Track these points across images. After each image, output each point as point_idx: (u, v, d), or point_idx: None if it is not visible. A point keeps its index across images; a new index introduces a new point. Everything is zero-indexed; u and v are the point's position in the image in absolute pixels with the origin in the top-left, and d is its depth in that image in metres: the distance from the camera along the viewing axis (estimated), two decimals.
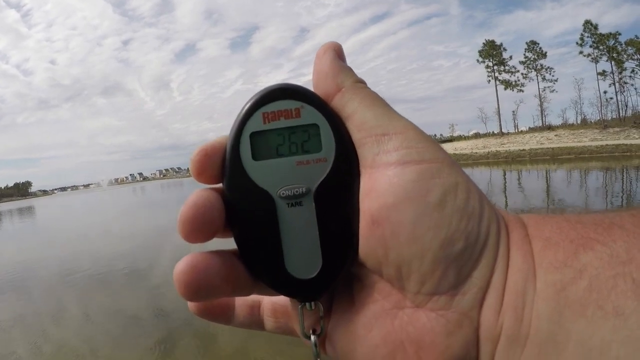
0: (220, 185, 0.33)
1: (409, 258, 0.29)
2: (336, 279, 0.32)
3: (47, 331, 8.43)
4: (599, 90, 51.42)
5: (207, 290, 0.30)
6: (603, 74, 50.42)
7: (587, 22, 48.82)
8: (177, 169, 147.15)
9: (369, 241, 0.30)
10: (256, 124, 0.32)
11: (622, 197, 18.30)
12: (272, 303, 0.38)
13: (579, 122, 56.58)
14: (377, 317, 0.31)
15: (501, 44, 56.25)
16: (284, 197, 0.31)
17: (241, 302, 0.38)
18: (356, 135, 0.32)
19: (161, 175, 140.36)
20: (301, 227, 0.32)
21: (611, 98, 51.39)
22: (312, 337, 0.34)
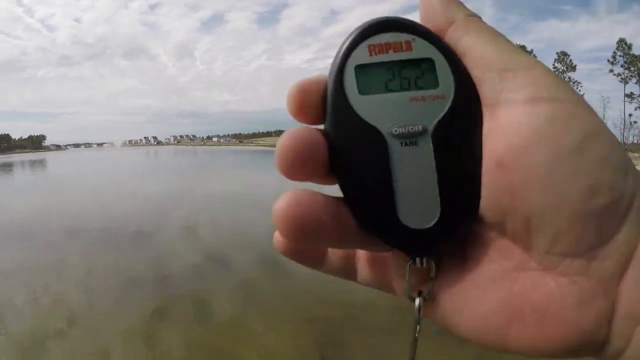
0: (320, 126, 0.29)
1: (542, 209, 0.24)
2: (456, 231, 0.28)
3: (48, 282, 8.45)
4: (624, 112, 50.35)
5: (314, 229, 0.26)
6: (631, 96, 49.07)
7: (621, 41, 47.58)
8: (191, 137, 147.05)
9: (492, 188, 0.26)
10: (362, 56, 0.28)
11: None
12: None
13: None
14: (494, 280, 0.27)
15: (532, 50, 55.42)
16: (396, 135, 0.28)
17: None
18: (474, 71, 0.27)
19: (175, 141, 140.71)
20: (416, 169, 0.28)
21: (635, 122, 50.43)
22: (417, 300, 0.29)
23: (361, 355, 6.06)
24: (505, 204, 0.26)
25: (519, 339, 0.26)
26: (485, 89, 0.27)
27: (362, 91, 0.28)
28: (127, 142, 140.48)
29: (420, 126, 0.27)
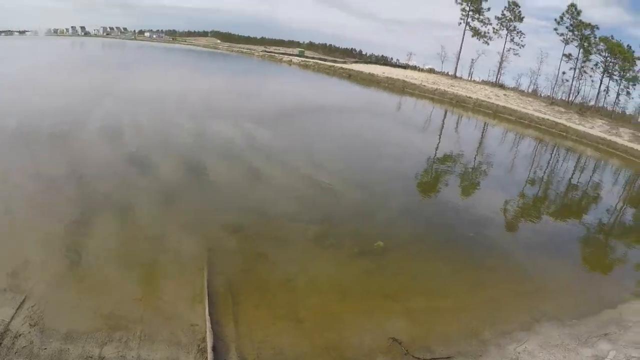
0: None
1: None
2: None
3: None
4: (559, 70, 53.19)
5: None
6: (569, 56, 51.65)
7: (572, 6, 49.59)
8: (122, 29, 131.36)
9: None
10: None
11: (545, 170, 17.71)
12: None
13: (529, 91, 57.27)
14: None
15: None
16: None
17: None
18: None
19: (104, 34, 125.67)
20: None
21: (567, 80, 52.80)
22: None
23: None
24: None
25: None
26: None
27: None
28: (52, 31, 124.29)
29: None
